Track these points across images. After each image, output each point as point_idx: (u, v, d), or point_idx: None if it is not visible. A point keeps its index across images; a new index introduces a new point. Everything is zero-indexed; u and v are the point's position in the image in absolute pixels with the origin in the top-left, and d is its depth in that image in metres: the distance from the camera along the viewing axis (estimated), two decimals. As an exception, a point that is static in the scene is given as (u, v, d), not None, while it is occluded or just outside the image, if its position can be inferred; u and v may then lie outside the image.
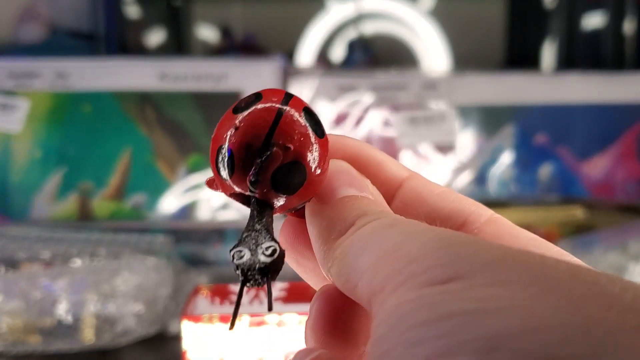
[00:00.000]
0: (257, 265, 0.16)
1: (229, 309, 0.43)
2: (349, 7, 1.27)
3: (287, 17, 1.35)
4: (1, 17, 0.90)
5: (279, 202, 0.18)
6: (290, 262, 0.21)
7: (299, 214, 0.20)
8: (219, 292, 0.44)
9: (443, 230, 0.15)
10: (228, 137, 0.18)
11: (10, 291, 0.51)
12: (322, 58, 1.28)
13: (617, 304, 0.12)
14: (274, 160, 0.18)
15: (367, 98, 0.74)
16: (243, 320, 0.39)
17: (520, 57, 1.25)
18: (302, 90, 0.73)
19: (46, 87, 0.72)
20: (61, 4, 0.95)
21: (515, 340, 0.11)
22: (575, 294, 0.12)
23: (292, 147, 0.18)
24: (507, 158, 0.75)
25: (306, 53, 1.28)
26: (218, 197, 0.71)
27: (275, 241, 0.17)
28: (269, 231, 0.17)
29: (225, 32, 1.30)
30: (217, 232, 0.70)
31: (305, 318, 0.19)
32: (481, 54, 1.30)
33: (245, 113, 0.18)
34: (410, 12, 1.27)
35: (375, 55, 1.28)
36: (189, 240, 0.69)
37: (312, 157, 0.18)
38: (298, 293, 0.43)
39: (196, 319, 0.39)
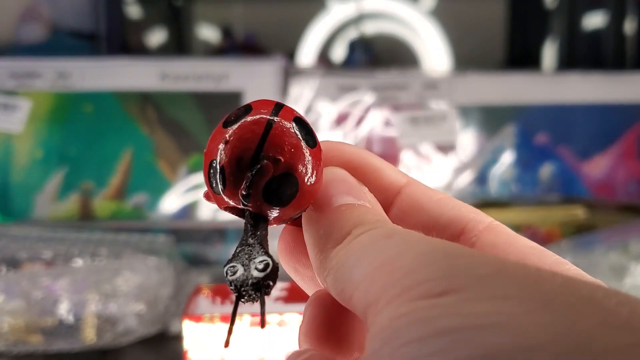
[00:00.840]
0: (250, 281, 0.16)
1: (229, 309, 0.43)
2: (349, 7, 1.27)
3: (288, 17, 1.35)
4: (2, 17, 0.90)
5: (273, 214, 0.18)
6: (289, 270, 0.21)
7: (297, 222, 0.20)
8: (220, 292, 0.44)
9: (440, 241, 0.15)
10: (219, 151, 0.18)
11: (11, 291, 0.51)
12: (323, 58, 1.28)
13: (613, 320, 0.12)
14: (264, 174, 0.17)
15: (368, 98, 0.74)
16: (243, 320, 0.39)
17: (521, 57, 1.24)
18: (303, 90, 0.73)
19: (47, 87, 0.72)
20: (62, 4, 0.95)
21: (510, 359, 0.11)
22: (571, 310, 0.12)
23: (282, 159, 0.18)
24: (507, 158, 0.75)
25: (307, 53, 1.28)
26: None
27: (269, 255, 0.17)
28: (263, 245, 0.17)
29: (226, 32, 1.30)
30: (218, 232, 0.70)
31: (306, 318, 0.19)
32: (482, 53, 1.30)
33: (235, 126, 0.18)
34: (411, 12, 1.27)
35: (376, 55, 1.28)
36: (190, 240, 0.69)
37: (304, 167, 0.18)
38: (299, 293, 0.43)
39: (197, 318, 0.39)
